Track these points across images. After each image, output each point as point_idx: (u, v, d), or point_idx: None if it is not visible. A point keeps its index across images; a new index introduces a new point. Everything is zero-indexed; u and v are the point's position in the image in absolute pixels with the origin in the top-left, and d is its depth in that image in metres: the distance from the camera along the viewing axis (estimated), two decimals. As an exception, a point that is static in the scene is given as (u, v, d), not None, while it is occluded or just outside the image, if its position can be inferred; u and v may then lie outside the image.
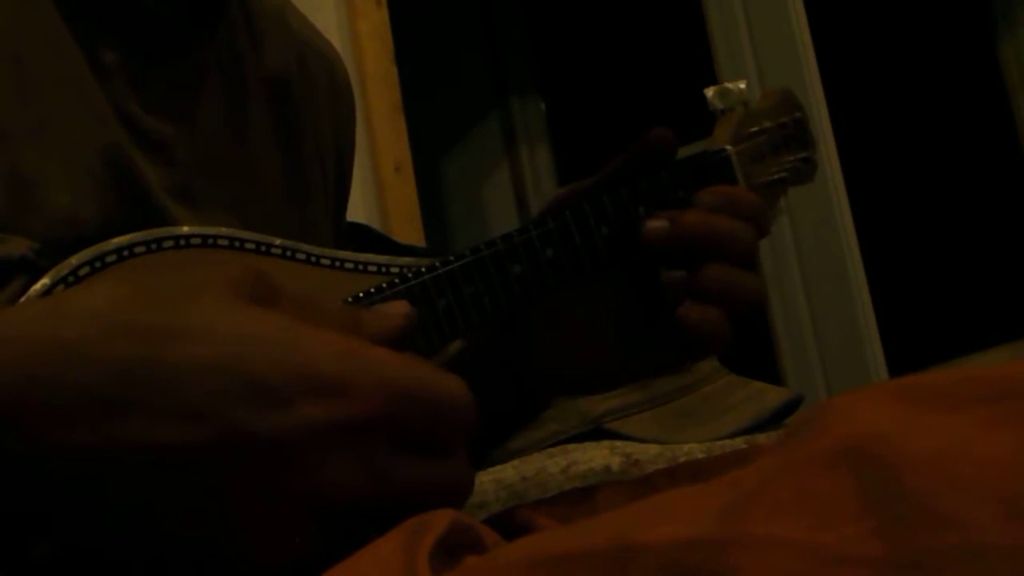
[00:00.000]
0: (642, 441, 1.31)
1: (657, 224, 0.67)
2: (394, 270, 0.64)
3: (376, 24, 2.20)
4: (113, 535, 0.43)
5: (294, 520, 0.44)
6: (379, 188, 2.12)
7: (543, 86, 3.16)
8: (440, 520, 0.42)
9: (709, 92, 0.73)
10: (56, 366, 0.43)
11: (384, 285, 0.62)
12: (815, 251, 2.30)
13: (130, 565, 0.44)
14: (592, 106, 3.13)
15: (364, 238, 1.57)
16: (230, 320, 0.45)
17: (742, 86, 0.74)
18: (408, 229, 2.11)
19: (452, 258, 0.64)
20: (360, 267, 0.64)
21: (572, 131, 3.12)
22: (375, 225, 1.98)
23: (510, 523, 0.64)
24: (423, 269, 0.63)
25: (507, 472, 1.23)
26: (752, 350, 2.21)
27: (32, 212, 0.62)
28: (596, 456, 1.24)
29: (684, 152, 0.73)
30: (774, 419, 1.37)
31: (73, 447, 0.42)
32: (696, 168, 0.70)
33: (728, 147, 0.72)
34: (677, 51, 2.77)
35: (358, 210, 1.98)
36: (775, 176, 0.73)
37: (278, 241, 0.62)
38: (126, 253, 0.56)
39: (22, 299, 0.53)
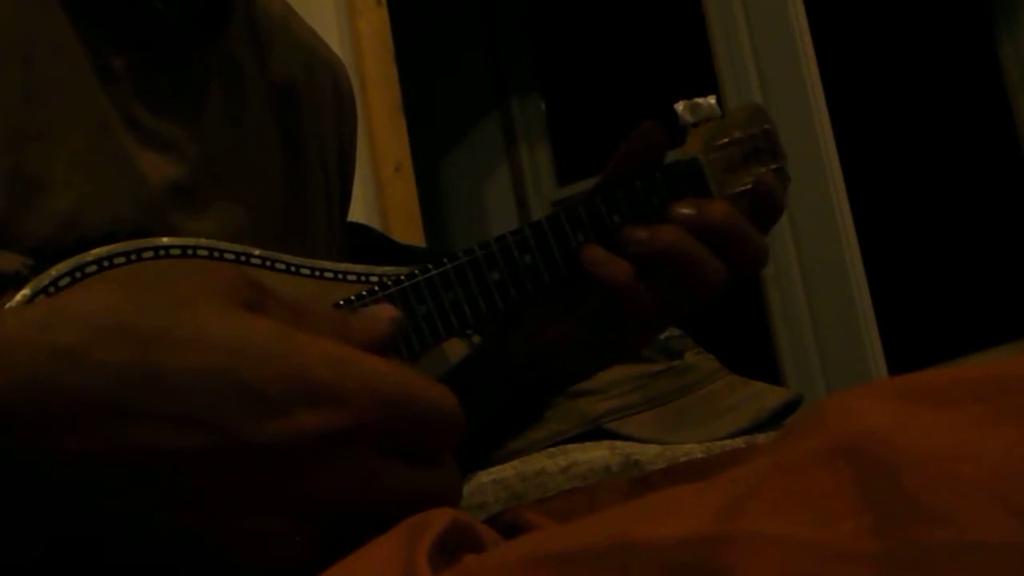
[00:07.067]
0: (642, 441, 1.31)
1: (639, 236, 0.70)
2: (373, 279, 0.65)
3: (376, 24, 2.21)
4: (107, 541, 0.43)
5: (287, 526, 0.44)
6: (379, 188, 2.12)
7: (543, 86, 3.16)
8: (439, 519, 0.42)
9: (679, 107, 0.76)
10: (52, 371, 0.42)
11: (364, 293, 0.64)
12: (815, 251, 2.30)
13: (122, 570, 0.44)
14: (592, 106, 3.13)
15: (364, 238, 1.58)
16: (224, 327, 0.45)
17: (711, 101, 0.77)
18: (408, 229, 2.11)
19: (431, 266, 0.66)
20: (340, 276, 0.65)
21: (572, 131, 3.12)
22: (375, 225, 1.99)
23: (509, 522, 0.64)
24: (402, 277, 0.64)
25: (507, 472, 1.23)
26: (752, 350, 2.21)
27: (33, 213, 0.63)
28: (596, 456, 1.24)
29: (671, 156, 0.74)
30: (774, 419, 1.37)
31: (69, 452, 0.42)
32: (669, 177, 0.73)
33: (700, 156, 0.74)
34: (677, 51, 2.77)
35: (358, 210, 1.98)
36: (747, 186, 0.75)
37: (257, 251, 0.62)
38: (106, 264, 0.56)
39: (6, 307, 0.53)
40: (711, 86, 2.41)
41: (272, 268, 0.63)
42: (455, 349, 1.04)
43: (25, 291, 0.54)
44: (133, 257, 0.57)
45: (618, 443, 1.30)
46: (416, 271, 0.65)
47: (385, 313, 0.54)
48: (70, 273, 0.55)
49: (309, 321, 0.49)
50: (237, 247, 0.61)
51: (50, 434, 0.42)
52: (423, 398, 0.46)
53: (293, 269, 0.63)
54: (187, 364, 0.43)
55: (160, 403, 0.43)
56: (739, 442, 1.29)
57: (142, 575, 0.44)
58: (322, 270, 0.64)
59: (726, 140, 0.76)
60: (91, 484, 0.42)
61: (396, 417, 0.45)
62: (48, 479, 0.42)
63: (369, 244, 1.56)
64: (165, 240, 0.58)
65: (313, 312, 0.50)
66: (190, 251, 0.59)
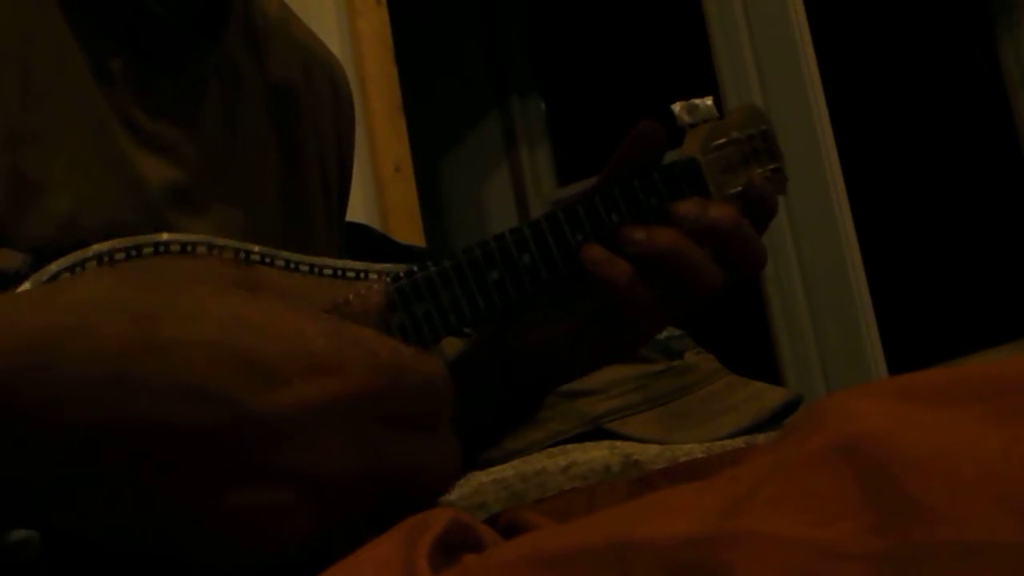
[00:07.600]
0: (642, 441, 1.31)
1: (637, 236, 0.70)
2: (372, 276, 0.65)
3: (376, 24, 2.21)
4: (109, 518, 0.43)
5: (290, 499, 0.44)
6: (379, 188, 2.12)
7: (543, 86, 3.16)
8: (439, 519, 0.42)
9: (676, 107, 0.76)
10: (54, 352, 0.43)
11: (363, 291, 0.63)
12: (815, 251, 2.30)
13: (122, 551, 0.44)
14: (592, 106, 3.13)
15: (364, 238, 1.58)
16: (221, 302, 0.46)
17: (708, 102, 0.77)
18: (408, 229, 2.11)
19: (429, 264, 0.65)
20: (339, 273, 0.65)
21: (572, 131, 3.12)
22: (375, 225, 1.99)
23: (509, 522, 0.64)
24: (401, 275, 0.64)
25: (507, 472, 1.23)
26: (752, 350, 2.21)
27: (32, 215, 0.63)
28: (596, 456, 1.24)
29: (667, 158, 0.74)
30: (774, 419, 1.37)
31: (73, 428, 0.42)
32: (667, 177, 0.72)
33: (698, 156, 0.74)
34: (677, 51, 2.77)
35: (358, 210, 1.98)
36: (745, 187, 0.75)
37: (257, 248, 0.62)
38: (106, 259, 0.56)
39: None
40: (711, 86, 2.41)
41: (271, 265, 0.63)
42: (454, 348, 1.03)
43: (26, 285, 0.54)
44: (133, 252, 0.57)
45: (618, 443, 1.30)
46: (415, 269, 0.65)
47: (375, 288, 0.55)
48: (70, 268, 0.55)
49: (299, 304, 0.50)
50: (236, 243, 0.62)
51: (52, 412, 0.42)
52: (416, 367, 0.47)
53: (292, 266, 0.64)
54: (187, 336, 0.44)
55: (161, 375, 0.43)
56: (739, 442, 1.29)
57: (140, 568, 0.44)
58: (321, 267, 0.65)
59: (724, 141, 0.76)
60: (94, 460, 0.43)
61: (395, 385, 0.46)
62: (51, 458, 0.43)
63: (369, 244, 1.56)
64: (165, 236, 0.59)
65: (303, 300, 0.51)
66: (189, 247, 0.59)
